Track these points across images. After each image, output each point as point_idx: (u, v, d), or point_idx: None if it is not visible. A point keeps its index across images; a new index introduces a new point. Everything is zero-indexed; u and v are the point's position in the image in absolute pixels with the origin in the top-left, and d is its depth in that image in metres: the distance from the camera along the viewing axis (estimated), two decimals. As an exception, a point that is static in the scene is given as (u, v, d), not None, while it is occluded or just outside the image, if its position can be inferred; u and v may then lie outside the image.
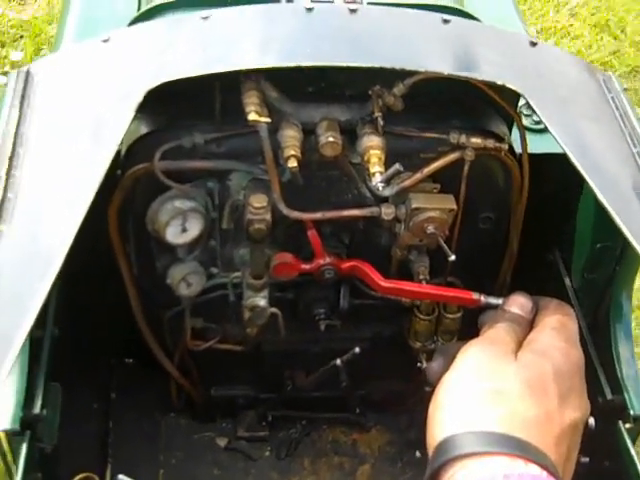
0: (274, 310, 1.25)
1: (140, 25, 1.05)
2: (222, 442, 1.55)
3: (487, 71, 0.99)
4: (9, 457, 1.15)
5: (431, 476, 0.81)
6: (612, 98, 1.07)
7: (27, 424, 1.10)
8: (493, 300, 1.05)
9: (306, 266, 1.17)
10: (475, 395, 0.86)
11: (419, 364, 1.25)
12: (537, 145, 1.20)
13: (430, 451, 0.83)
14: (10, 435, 1.11)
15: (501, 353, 0.91)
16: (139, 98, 0.91)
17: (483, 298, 1.07)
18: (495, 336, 0.93)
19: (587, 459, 1.07)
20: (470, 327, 1.32)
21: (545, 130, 1.30)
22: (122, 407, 1.52)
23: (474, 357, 0.91)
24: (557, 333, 0.95)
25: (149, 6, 1.35)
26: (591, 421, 1.03)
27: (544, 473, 0.80)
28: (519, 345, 0.93)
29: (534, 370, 0.90)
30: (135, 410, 1.53)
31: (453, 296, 1.13)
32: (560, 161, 1.02)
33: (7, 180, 0.90)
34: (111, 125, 0.92)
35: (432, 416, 0.86)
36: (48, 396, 1.15)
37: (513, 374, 0.88)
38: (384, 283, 1.16)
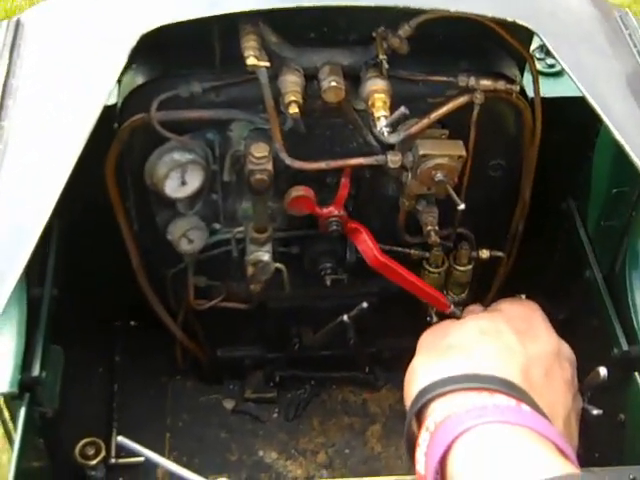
0: (278, 265, 1.22)
1: (133, -32, 1.00)
2: (229, 404, 1.52)
3: (497, 8, 0.95)
4: (9, 422, 1.12)
5: (409, 426, 0.90)
6: (629, 35, 1.03)
7: (26, 387, 1.07)
8: (457, 312, 1.16)
9: (320, 209, 1.14)
10: (435, 354, 0.96)
11: (428, 318, 1.22)
12: (550, 89, 1.16)
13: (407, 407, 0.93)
14: (8, 398, 1.08)
15: (452, 322, 1.05)
16: (133, 42, 0.88)
17: (452, 307, 1.18)
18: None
19: (601, 411, 1.05)
20: (481, 280, 1.30)
21: (558, 74, 1.26)
22: (127, 370, 1.50)
23: (428, 331, 1.04)
24: (507, 301, 1.08)
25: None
26: (604, 372, 1.01)
27: (512, 401, 0.85)
28: None
29: (485, 320, 1.01)
30: (140, 373, 1.50)
31: (432, 295, 1.19)
32: (575, 105, 0.98)
33: None
34: (104, 71, 0.88)
35: (405, 384, 0.96)
36: (48, 359, 1.13)
37: (465, 327, 1.00)
38: (380, 257, 1.16)
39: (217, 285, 1.29)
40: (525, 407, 0.85)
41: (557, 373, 0.98)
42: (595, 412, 1.04)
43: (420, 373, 0.95)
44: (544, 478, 0.72)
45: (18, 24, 0.97)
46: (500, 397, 0.86)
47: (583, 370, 1.05)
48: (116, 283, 1.31)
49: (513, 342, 0.96)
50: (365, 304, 1.26)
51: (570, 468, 0.77)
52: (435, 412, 0.86)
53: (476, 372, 0.89)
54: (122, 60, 0.87)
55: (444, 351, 0.97)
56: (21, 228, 0.80)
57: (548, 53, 1.28)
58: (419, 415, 0.89)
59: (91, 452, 1.30)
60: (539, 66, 1.25)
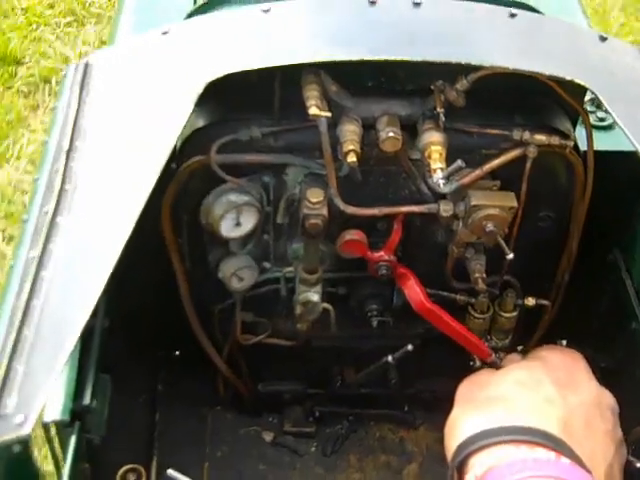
0: (326, 305, 1.23)
1: (200, 17, 1.03)
2: (268, 437, 1.53)
3: (554, 66, 0.96)
4: (58, 448, 1.14)
5: (451, 479, 0.93)
6: None
7: (77, 415, 1.09)
8: (498, 361, 1.19)
9: (371, 253, 1.15)
10: (473, 405, 0.98)
11: (471, 363, 1.23)
12: (601, 142, 1.17)
13: (449, 460, 0.95)
14: (60, 426, 1.11)
15: (490, 371, 1.08)
16: (199, 90, 0.90)
17: (494, 356, 1.20)
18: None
19: None
20: (525, 327, 1.30)
21: (609, 127, 1.27)
22: (169, 400, 1.51)
23: (467, 381, 1.07)
24: (547, 349, 1.10)
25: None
26: None
27: (552, 454, 0.86)
28: None
29: (523, 369, 1.02)
30: (182, 403, 1.51)
31: (474, 344, 1.21)
32: (626, 159, 0.99)
33: (65, 172, 0.89)
34: (170, 117, 0.90)
35: (446, 436, 0.99)
36: (98, 387, 1.15)
37: (502, 379, 1.02)
38: (426, 303, 1.18)
39: (264, 321, 1.31)
40: (564, 460, 0.86)
41: (598, 423, 0.98)
42: (639, 465, 1.04)
43: (459, 426, 0.96)
44: None
45: (87, 66, 1.00)
46: (539, 450, 0.87)
47: (628, 421, 1.05)
48: (164, 315, 1.34)
49: (552, 393, 0.97)
50: (410, 346, 1.27)
51: None
52: (475, 466, 0.88)
53: (515, 424, 0.91)
54: (189, 108, 0.89)
55: (483, 403, 0.98)
56: (89, 271, 0.82)
57: (599, 106, 1.29)
58: (460, 468, 0.91)
59: (132, 479, 1.31)
60: (590, 119, 1.26)
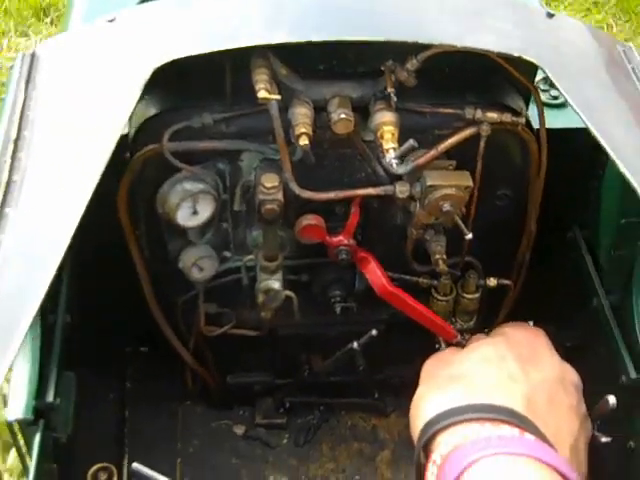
0: (288, 293, 1.23)
1: (147, 4, 1.03)
2: (240, 430, 1.53)
3: (503, 43, 0.97)
4: (23, 448, 1.13)
5: (418, 458, 0.92)
6: (632, 69, 1.04)
7: (40, 413, 1.08)
8: (463, 342, 1.19)
9: (330, 237, 1.15)
10: (437, 384, 0.98)
11: (437, 346, 1.23)
12: (554, 120, 1.18)
13: (415, 440, 0.95)
14: (24, 425, 1.10)
15: (455, 350, 1.09)
16: (146, 76, 0.90)
17: (459, 337, 1.21)
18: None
19: (609, 439, 1.05)
20: (489, 308, 1.31)
21: (562, 105, 1.28)
22: (138, 396, 1.51)
23: (432, 359, 1.08)
24: (511, 326, 1.11)
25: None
26: (613, 400, 1.02)
27: (516, 430, 0.86)
28: None
29: (486, 346, 1.03)
30: (151, 399, 1.51)
31: (439, 325, 1.22)
32: (579, 136, 0.99)
33: (12, 163, 0.89)
34: (118, 104, 0.90)
35: (411, 416, 0.99)
36: (61, 385, 1.14)
37: (465, 357, 1.03)
38: (388, 286, 1.18)
39: (227, 312, 1.31)
40: (529, 436, 0.86)
41: (562, 399, 0.99)
42: (604, 440, 1.05)
43: (424, 405, 0.96)
44: None
45: (33, 57, 0.99)
46: (504, 427, 0.87)
47: (591, 398, 1.05)
48: (127, 310, 1.33)
49: (515, 369, 0.97)
50: (374, 332, 1.27)
51: None
52: (441, 445, 0.88)
53: (479, 402, 0.91)
54: (136, 94, 0.89)
55: (447, 381, 0.98)
56: (38, 261, 0.81)
57: (552, 85, 1.30)
58: (426, 447, 0.91)
59: (103, 477, 1.31)
60: (543, 97, 1.26)
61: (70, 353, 1.18)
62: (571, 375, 1.05)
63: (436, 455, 0.88)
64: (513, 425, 0.88)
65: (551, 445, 0.88)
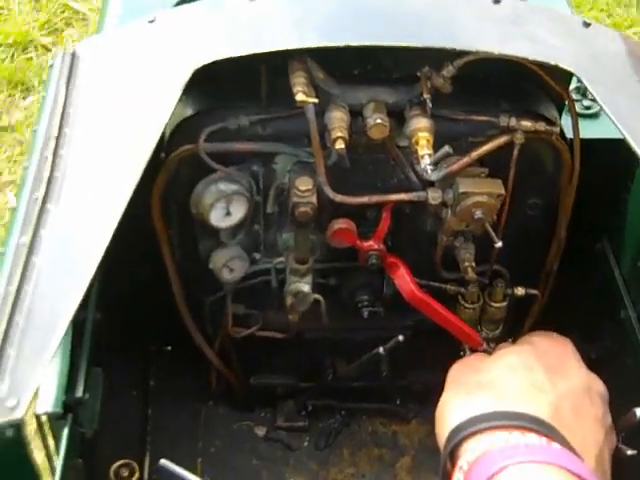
0: (317, 296, 1.24)
1: (186, 6, 1.04)
2: (261, 431, 1.54)
3: (539, 51, 0.97)
4: (51, 441, 1.14)
5: (444, 465, 0.92)
6: None
7: (69, 408, 1.09)
8: (489, 349, 1.19)
9: (360, 242, 1.16)
10: (464, 390, 0.98)
11: (462, 353, 1.23)
12: (587, 130, 1.18)
13: (441, 446, 0.94)
14: (52, 418, 1.11)
15: (482, 356, 1.09)
16: (186, 77, 0.91)
17: (485, 345, 1.22)
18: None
19: (635, 452, 1.05)
20: (515, 317, 1.31)
21: (594, 115, 1.28)
22: (161, 394, 1.51)
23: (458, 365, 1.07)
24: (538, 335, 1.10)
25: (193, -12, 1.34)
26: (639, 413, 1.01)
27: (543, 439, 0.86)
28: None
29: (514, 354, 1.02)
30: (174, 398, 1.52)
31: (466, 333, 1.22)
32: (613, 146, 1.00)
33: (54, 159, 0.90)
34: (158, 105, 0.91)
35: (437, 421, 0.98)
36: (90, 380, 1.15)
37: (493, 364, 1.02)
38: (417, 292, 1.19)
39: (255, 313, 1.31)
40: (556, 445, 0.86)
41: (588, 409, 0.99)
42: (629, 452, 1.04)
43: (451, 410, 0.96)
44: None
45: (74, 56, 1.01)
46: (531, 435, 0.87)
47: (617, 410, 1.05)
48: (155, 309, 1.34)
49: (542, 379, 0.97)
50: (401, 337, 1.27)
51: None
52: (468, 452, 0.87)
53: (506, 410, 0.91)
54: (176, 95, 0.90)
55: (474, 388, 0.98)
56: (78, 259, 0.82)
57: (585, 94, 1.30)
58: (452, 454, 0.91)
59: (125, 473, 1.31)
60: (576, 107, 1.26)
61: (99, 350, 1.19)
62: (598, 386, 1.05)
63: (463, 461, 0.88)
64: (540, 434, 0.87)
65: (577, 454, 0.88)
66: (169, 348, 1.54)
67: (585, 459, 0.90)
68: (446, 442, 0.93)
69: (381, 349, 1.30)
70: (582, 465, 0.85)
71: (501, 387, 0.96)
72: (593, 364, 1.10)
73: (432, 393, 1.04)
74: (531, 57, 0.96)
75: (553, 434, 0.88)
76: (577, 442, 0.90)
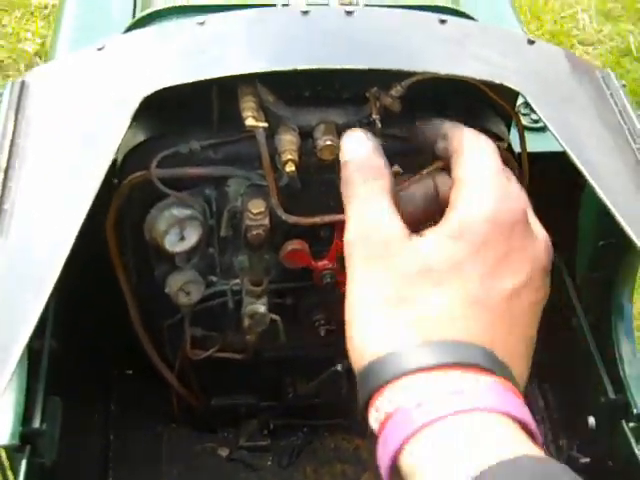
0: (274, 316, 1.24)
1: (135, 32, 1.04)
2: (224, 452, 1.54)
3: (485, 70, 0.99)
4: (9, 473, 1.13)
5: (363, 408, 0.74)
6: (611, 94, 1.06)
7: (27, 439, 1.08)
8: None
9: (314, 262, 1.16)
10: (384, 307, 0.76)
11: None
12: (535, 144, 1.20)
13: (355, 369, 0.75)
14: (10, 450, 1.10)
15: (393, 239, 0.78)
16: (135, 105, 0.91)
17: None
18: (370, 219, 0.81)
19: (588, 459, 1.07)
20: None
21: (543, 129, 1.30)
22: (122, 419, 1.51)
23: (364, 253, 0.79)
24: (478, 181, 0.81)
25: (144, 13, 1.34)
26: (592, 421, 1.03)
27: (469, 375, 0.70)
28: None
29: (442, 255, 0.77)
30: (136, 422, 1.52)
31: None
32: (559, 159, 1.01)
33: (3, 191, 0.89)
34: (107, 133, 0.91)
35: (348, 338, 0.77)
36: (48, 410, 1.14)
37: (418, 266, 0.76)
38: None
39: (213, 335, 1.31)
40: (488, 378, 0.71)
41: (529, 298, 0.79)
42: (583, 460, 1.06)
43: (364, 333, 0.76)
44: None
45: (23, 85, 1.00)
46: (459, 374, 0.71)
47: (569, 419, 1.07)
48: (112, 333, 1.33)
49: (475, 289, 0.76)
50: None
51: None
52: (382, 405, 0.72)
53: (431, 339, 0.73)
54: (126, 122, 0.90)
55: (390, 303, 0.77)
56: (29, 290, 0.82)
57: (532, 109, 1.32)
58: (367, 402, 0.74)
59: (87, 501, 1.31)
60: (524, 121, 1.29)
61: (56, 377, 1.18)
62: (542, 260, 0.81)
63: (380, 412, 0.71)
64: (472, 369, 0.71)
65: (514, 383, 0.72)
66: (130, 372, 1.54)
67: (514, 365, 0.74)
68: (358, 382, 0.75)
69: (339, 366, 1.31)
70: (524, 408, 0.70)
71: (424, 306, 0.75)
72: (546, 373, 1.11)
73: None
74: (477, 77, 0.97)
75: (491, 365, 0.72)
76: (508, 350, 0.75)
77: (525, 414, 0.69)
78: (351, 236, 0.81)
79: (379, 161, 0.87)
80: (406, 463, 0.69)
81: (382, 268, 0.78)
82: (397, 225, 0.80)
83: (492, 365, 0.71)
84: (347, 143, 0.89)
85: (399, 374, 0.71)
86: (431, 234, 0.78)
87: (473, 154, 0.86)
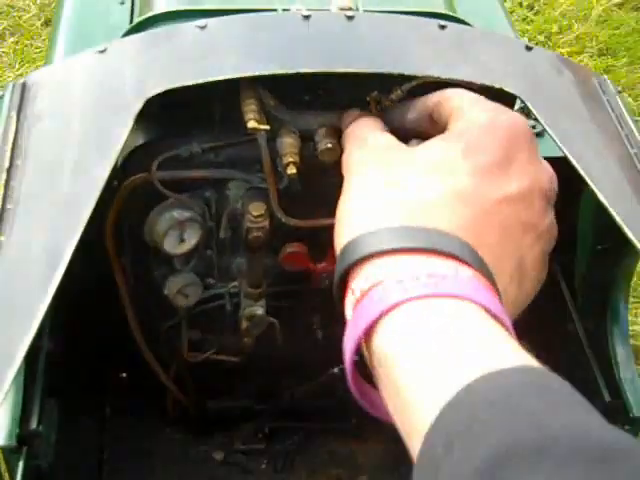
0: (272, 319, 1.24)
1: (137, 35, 1.05)
2: (219, 456, 1.54)
3: (484, 75, 1.00)
4: (5, 474, 1.13)
5: (338, 286, 0.74)
6: (608, 100, 1.08)
7: (24, 440, 1.08)
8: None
9: (313, 265, 1.17)
10: (371, 192, 0.78)
11: None
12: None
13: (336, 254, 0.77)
14: (7, 452, 1.10)
15: (393, 143, 0.84)
16: (138, 107, 0.91)
17: None
18: (366, 134, 0.89)
19: None
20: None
21: (539, 135, 1.31)
22: (117, 422, 1.51)
23: (360, 156, 0.85)
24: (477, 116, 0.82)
25: (142, 17, 1.35)
26: None
27: (452, 264, 0.68)
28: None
29: (435, 151, 0.79)
30: (130, 425, 1.51)
31: None
32: (559, 164, 1.02)
33: (6, 192, 0.89)
34: (110, 135, 0.91)
35: (337, 225, 0.80)
36: (45, 412, 1.14)
37: (410, 160, 0.80)
38: None
39: (210, 338, 1.31)
40: (466, 271, 0.69)
41: (519, 216, 0.78)
42: None
43: (352, 211, 0.79)
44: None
45: (24, 86, 1.00)
46: (436, 261, 0.69)
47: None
48: (109, 336, 1.33)
49: (463, 187, 0.76)
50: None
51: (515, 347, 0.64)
52: (360, 279, 0.71)
53: (414, 225, 0.72)
54: (128, 125, 0.90)
55: (381, 188, 0.79)
56: (30, 291, 0.82)
57: (529, 115, 1.33)
58: (346, 275, 0.74)
59: (82, 504, 1.31)
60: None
61: (53, 380, 1.18)
62: (542, 181, 0.82)
63: (355, 287, 0.71)
64: (452, 258, 0.69)
65: (492, 281, 0.71)
66: (125, 375, 1.54)
67: (499, 275, 0.73)
68: (339, 257, 0.75)
69: (336, 369, 1.31)
70: (495, 300, 0.69)
71: (412, 193, 0.76)
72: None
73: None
74: (476, 81, 0.98)
75: (467, 256, 0.70)
76: (494, 258, 0.73)
77: (502, 313, 0.67)
78: (348, 152, 0.87)
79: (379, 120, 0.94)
80: (378, 344, 0.67)
81: (375, 164, 0.81)
82: (393, 138, 0.86)
83: (473, 261, 0.70)
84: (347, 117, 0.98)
85: (377, 252, 0.70)
86: (427, 142, 0.82)
87: (476, 105, 0.86)
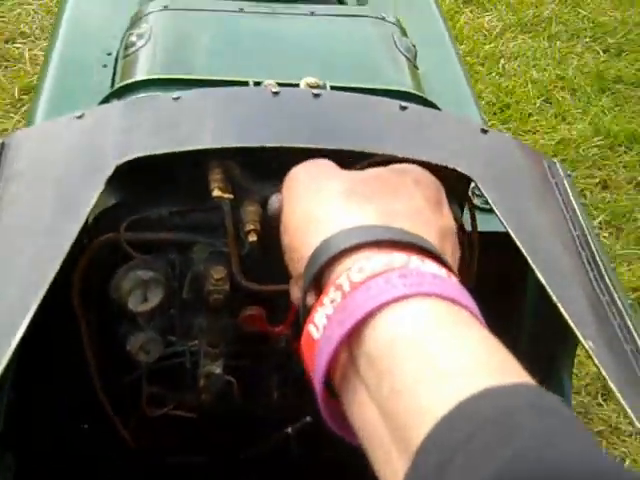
0: (229, 378, 1.28)
1: (113, 103, 1.10)
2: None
3: (439, 155, 1.05)
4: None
5: (310, 286, 0.71)
6: (556, 183, 1.14)
7: None
8: None
9: (271, 327, 1.21)
10: (330, 200, 0.75)
11: None
12: (488, 224, 1.26)
13: (300, 270, 0.73)
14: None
15: (329, 167, 0.85)
16: (109, 172, 0.96)
17: None
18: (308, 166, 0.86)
19: None
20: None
21: (491, 210, 1.37)
22: (76, 475, 1.52)
23: (304, 171, 0.85)
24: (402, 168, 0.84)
25: (122, 84, 1.40)
26: None
27: (443, 270, 0.67)
28: None
29: (386, 176, 0.80)
30: (89, 478, 1.52)
31: None
32: (508, 239, 1.08)
33: None
34: (81, 196, 0.96)
35: (290, 243, 0.78)
36: (1, 466, 1.16)
37: (344, 174, 0.81)
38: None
39: (170, 393, 1.34)
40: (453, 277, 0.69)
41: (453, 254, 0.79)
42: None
43: (314, 222, 0.75)
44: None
45: (3, 146, 1.05)
46: (431, 264, 0.67)
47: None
48: (71, 387, 1.36)
49: (421, 206, 0.77)
50: (309, 418, 1.32)
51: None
52: (353, 269, 0.66)
53: (393, 226, 0.71)
54: (99, 187, 0.95)
55: (340, 196, 0.76)
56: None
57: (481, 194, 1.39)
58: (325, 270, 0.70)
59: None
60: (478, 202, 1.35)
61: (10, 431, 1.20)
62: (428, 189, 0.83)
63: (344, 279, 0.66)
64: (439, 262, 0.68)
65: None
66: (85, 426, 1.55)
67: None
68: (315, 256, 0.71)
69: (290, 429, 1.34)
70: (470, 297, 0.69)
71: (383, 201, 0.74)
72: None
73: (345, 468, 1.07)
74: (432, 161, 1.04)
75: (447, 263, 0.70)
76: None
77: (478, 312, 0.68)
78: (290, 175, 0.86)
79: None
80: (374, 338, 0.62)
81: (325, 177, 0.81)
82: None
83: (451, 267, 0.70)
84: None
85: (362, 243, 0.67)
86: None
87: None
